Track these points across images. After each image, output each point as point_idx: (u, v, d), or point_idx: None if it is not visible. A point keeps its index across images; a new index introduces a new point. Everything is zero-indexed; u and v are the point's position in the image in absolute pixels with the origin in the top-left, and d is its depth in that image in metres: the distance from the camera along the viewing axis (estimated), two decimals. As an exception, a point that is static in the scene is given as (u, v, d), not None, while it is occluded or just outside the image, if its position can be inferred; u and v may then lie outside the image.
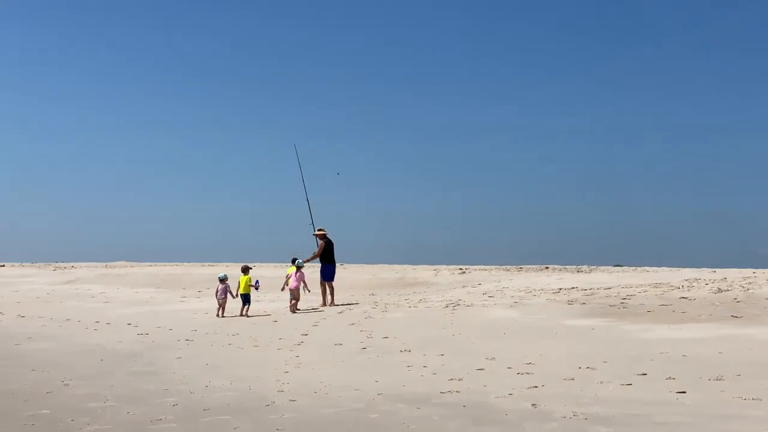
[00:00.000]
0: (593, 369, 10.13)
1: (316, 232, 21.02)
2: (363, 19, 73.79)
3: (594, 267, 30.02)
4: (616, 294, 17.91)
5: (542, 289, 19.82)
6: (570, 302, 17.09)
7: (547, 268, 30.59)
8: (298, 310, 18.89)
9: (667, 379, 9.28)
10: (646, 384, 9.10)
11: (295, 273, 19.28)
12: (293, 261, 20.06)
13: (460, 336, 13.72)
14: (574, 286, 19.94)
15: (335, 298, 20.14)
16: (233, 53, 74.02)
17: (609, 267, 29.50)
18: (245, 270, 19.20)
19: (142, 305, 22.03)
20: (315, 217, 21.72)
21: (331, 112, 72.28)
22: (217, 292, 18.85)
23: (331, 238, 20.90)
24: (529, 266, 31.48)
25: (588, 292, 18.63)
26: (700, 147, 61.88)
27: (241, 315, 18.32)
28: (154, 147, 73.06)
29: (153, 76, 73.66)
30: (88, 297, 25.01)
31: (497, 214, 61.78)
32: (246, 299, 18.63)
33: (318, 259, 20.67)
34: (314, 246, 20.94)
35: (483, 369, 10.45)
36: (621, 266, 31.40)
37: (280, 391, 9.35)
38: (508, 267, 31.48)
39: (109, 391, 9.57)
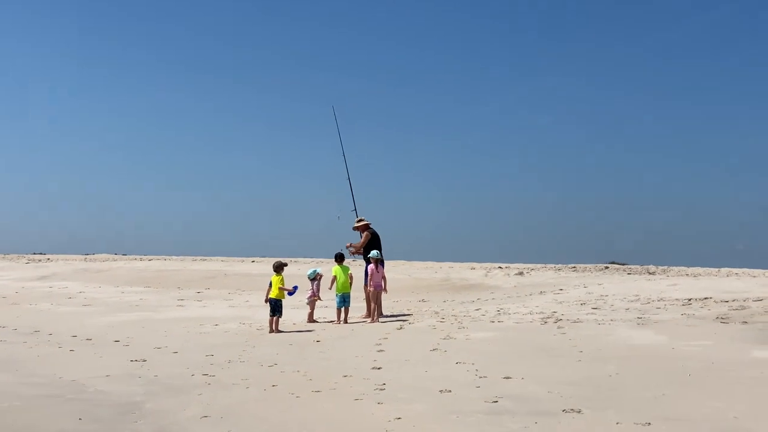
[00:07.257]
0: None
1: (357, 224, 16.43)
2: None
3: (666, 267, 25.54)
4: (774, 308, 13.40)
5: (661, 299, 15.23)
6: (721, 319, 12.55)
7: (607, 267, 26.06)
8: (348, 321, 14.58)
9: None
10: None
11: (376, 266, 15.16)
12: (338, 258, 15.43)
13: (618, 377, 9.08)
14: (707, 296, 15.34)
15: (382, 307, 15.53)
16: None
17: (687, 267, 25.01)
18: (278, 268, 14.45)
19: (132, 310, 17.31)
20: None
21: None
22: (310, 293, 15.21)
23: (375, 230, 16.35)
24: (583, 265, 26.93)
25: (733, 305, 14.04)
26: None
27: (271, 330, 13.66)
28: (137, 131, 68.18)
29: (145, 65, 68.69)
30: (64, 298, 20.22)
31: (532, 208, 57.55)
32: (275, 307, 13.92)
33: (363, 257, 16.13)
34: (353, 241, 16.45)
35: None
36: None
37: None
38: (559, 266, 26.93)
39: None
